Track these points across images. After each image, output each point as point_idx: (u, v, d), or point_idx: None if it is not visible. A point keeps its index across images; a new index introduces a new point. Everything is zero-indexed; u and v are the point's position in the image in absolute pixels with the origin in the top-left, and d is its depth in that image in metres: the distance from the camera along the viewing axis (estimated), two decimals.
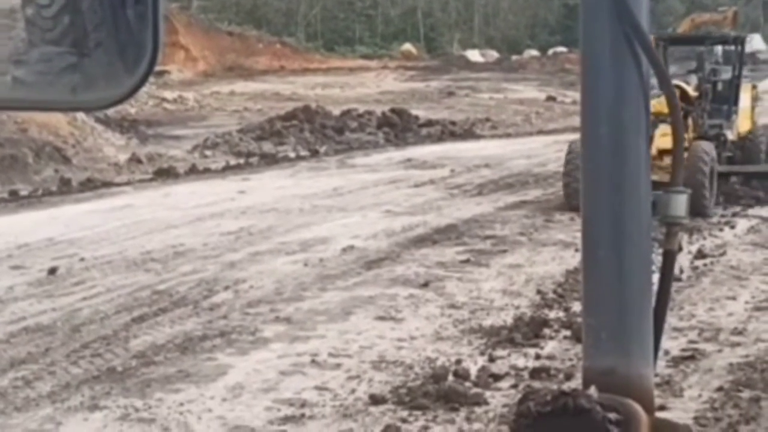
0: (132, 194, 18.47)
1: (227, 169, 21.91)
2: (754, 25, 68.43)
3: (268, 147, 25.31)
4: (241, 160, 23.30)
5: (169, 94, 37.66)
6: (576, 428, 1.78)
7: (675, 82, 15.04)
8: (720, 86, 17.93)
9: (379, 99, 37.67)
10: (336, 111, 29.61)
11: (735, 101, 17.88)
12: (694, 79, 17.85)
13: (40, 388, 8.00)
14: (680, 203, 1.91)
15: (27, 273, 11.77)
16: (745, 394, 7.72)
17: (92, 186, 19.30)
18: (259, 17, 61.88)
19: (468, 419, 7.34)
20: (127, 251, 12.93)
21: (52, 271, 11.71)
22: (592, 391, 1.81)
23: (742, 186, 17.28)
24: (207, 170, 21.67)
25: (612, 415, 1.78)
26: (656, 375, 2.00)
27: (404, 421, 7.28)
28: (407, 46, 62.12)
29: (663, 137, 11.32)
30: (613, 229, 1.84)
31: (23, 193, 18.31)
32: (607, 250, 1.84)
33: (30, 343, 9.13)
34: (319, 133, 27.14)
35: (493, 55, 60.46)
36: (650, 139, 1.94)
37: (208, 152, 24.56)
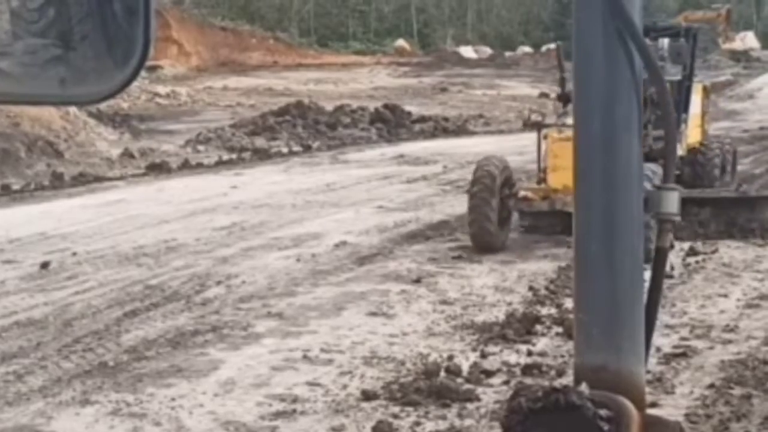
0: (124, 189, 18.45)
1: (220, 164, 21.90)
2: (748, 22, 68.56)
3: (260, 142, 25.29)
4: (234, 155, 23.26)
5: (161, 89, 37.62)
6: (567, 424, 1.79)
7: None
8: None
9: (372, 95, 37.65)
10: (329, 106, 29.60)
11: (685, 107, 14.68)
12: None
13: (32, 382, 7.98)
14: (672, 200, 1.92)
15: (19, 267, 11.75)
16: (737, 391, 7.72)
17: (84, 180, 19.27)
18: (252, 12, 61.87)
19: (460, 415, 7.34)
20: (119, 246, 12.92)
21: (45, 265, 11.70)
22: (583, 387, 1.81)
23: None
24: (199, 165, 21.66)
25: (603, 412, 1.78)
26: (647, 372, 2.00)
27: (396, 416, 7.28)
28: (400, 42, 62.18)
29: None
30: (605, 226, 1.84)
31: (15, 187, 18.26)
32: (598, 247, 1.84)
33: (22, 337, 9.11)
34: (312, 129, 27.14)
35: (487, 51, 60.47)
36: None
37: (200, 147, 24.54)
